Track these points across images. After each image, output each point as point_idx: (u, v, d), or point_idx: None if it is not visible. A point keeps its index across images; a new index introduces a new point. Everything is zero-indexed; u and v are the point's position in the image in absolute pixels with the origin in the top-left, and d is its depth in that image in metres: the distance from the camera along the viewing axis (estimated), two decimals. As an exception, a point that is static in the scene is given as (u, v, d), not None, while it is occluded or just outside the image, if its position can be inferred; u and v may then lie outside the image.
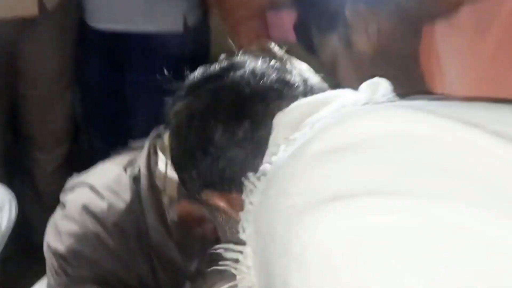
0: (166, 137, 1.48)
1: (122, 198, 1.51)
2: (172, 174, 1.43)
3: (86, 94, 2.19)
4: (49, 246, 1.52)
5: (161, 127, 1.56)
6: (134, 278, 1.57)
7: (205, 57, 2.11)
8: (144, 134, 1.69)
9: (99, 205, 1.50)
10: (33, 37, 1.98)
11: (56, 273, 1.51)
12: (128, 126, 2.11)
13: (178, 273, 1.61)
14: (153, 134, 1.56)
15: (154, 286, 1.62)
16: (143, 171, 1.51)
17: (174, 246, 1.55)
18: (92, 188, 1.52)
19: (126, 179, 1.53)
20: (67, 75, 2.10)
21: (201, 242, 1.60)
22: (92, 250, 1.49)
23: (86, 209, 1.49)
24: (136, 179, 1.52)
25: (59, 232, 1.52)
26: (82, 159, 2.21)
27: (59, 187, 1.94)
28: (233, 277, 0.76)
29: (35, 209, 2.14)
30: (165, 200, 1.50)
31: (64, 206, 1.56)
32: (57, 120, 2.13)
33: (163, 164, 1.46)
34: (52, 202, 1.86)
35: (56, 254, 1.50)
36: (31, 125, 2.12)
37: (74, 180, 1.64)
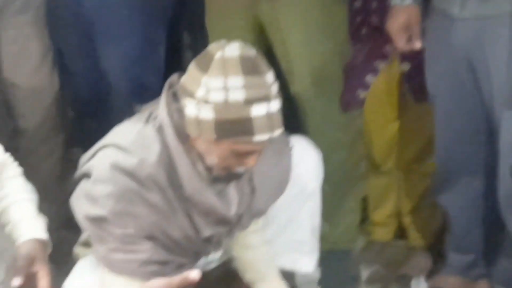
0: (187, 82, 1.41)
1: (151, 150, 1.45)
2: (206, 115, 1.38)
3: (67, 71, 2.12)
4: (87, 217, 1.46)
5: (175, 75, 1.52)
6: (178, 231, 1.52)
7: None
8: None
9: (129, 161, 1.44)
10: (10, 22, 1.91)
11: (103, 240, 1.46)
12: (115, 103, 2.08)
13: (219, 223, 1.55)
14: (168, 83, 1.52)
15: (196, 240, 1.57)
16: (166, 119, 1.45)
17: (212, 192, 1.51)
18: (118, 147, 1.47)
19: (150, 131, 1.47)
20: (49, 57, 2.03)
21: (239, 185, 1.57)
22: (132, 206, 1.44)
23: (116, 167, 1.43)
24: (160, 129, 1.46)
25: (93, 198, 1.47)
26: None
27: (64, 182, 1.89)
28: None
29: (42, 205, 2.08)
30: (199, 145, 1.44)
31: (90, 173, 1.50)
32: (50, 104, 2.05)
33: (193, 107, 1.39)
34: (59, 196, 1.81)
35: (98, 220, 1.45)
36: (25, 116, 2.04)
37: (92, 148, 1.59)
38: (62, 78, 2.13)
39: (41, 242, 1.40)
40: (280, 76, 2.00)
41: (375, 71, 1.88)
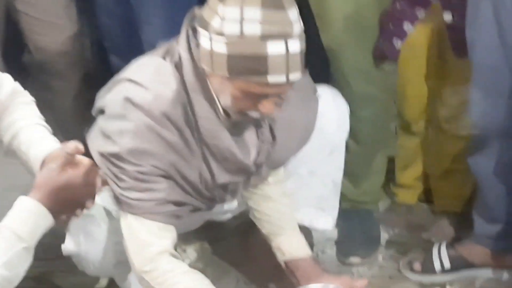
0: (204, 13, 1.32)
1: (168, 86, 1.38)
2: (219, 48, 1.28)
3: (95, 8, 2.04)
4: (101, 153, 1.40)
5: (195, 9, 1.42)
6: (194, 173, 1.45)
7: None
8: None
9: (145, 96, 1.37)
10: None
11: (118, 178, 1.40)
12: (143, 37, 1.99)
13: (237, 171, 1.48)
14: (188, 17, 1.43)
15: (212, 186, 1.49)
16: (185, 55, 1.36)
17: (229, 136, 1.43)
18: (134, 81, 1.39)
19: (168, 67, 1.39)
20: None
21: (259, 133, 1.48)
22: (148, 143, 1.38)
23: (131, 102, 1.37)
24: (178, 66, 1.38)
25: (107, 135, 1.41)
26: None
27: (81, 120, 1.83)
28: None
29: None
30: (214, 83, 1.35)
31: (104, 108, 1.44)
32: (65, 40, 1.98)
33: (207, 39, 1.29)
34: (75, 136, 1.74)
35: (112, 157, 1.39)
36: (39, 47, 1.97)
37: (109, 82, 1.51)
38: (90, 16, 2.07)
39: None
40: (313, 28, 1.92)
41: (413, 19, 1.74)
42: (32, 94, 1.64)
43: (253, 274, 1.86)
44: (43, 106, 1.96)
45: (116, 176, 1.38)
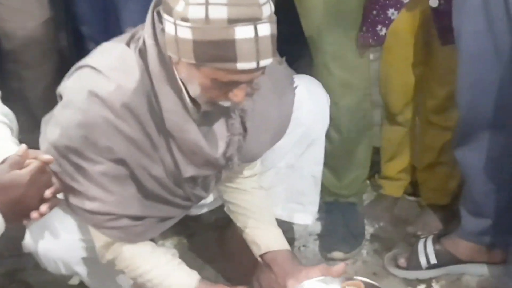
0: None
1: (131, 75, 1.28)
2: (184, 34, 1.18)
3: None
4: (55, 147, 1.30)
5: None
6: (159, 167, 1.37)
7: None
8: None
9: (105, 86, 1.28)
10: None
11: (72, 178, 1.31)
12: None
13: (205, 164, 1.40)
14: (154, 1, 1.34)
15: (180, 180, 1.43)
16: (149, 41, 1.27)
17: (196, 128, 1.34)
18: (94, 69, 1.30)
19: (131, 54, 1.29)
20: None
21: (229, 124, 1.39)
22: (106, 137, 1.28)
23: (89, 91, 1.27)
24: (142, 52, 1.28)
25: (63, 127, 1.31)
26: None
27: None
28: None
29: (33, 137, 1.96)
30: (181, 71, 1.25)
31: (62, 95, 1.35)
32: (35, 27, 1.88)
33: (172, 24, 1.19)
34: None
35: (67, 151, 1.29)
36: (7, 34, 1.87)
37: (72, 68, 1.43)
38: (66, 2, 1.98)
39: None
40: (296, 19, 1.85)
41: (399, 5, 1.66)
42: (1, 84, 1.57)
43: (231, 268, 1.80)
44: (12, 96, 1.91)
45: (70, 175, 1.30)
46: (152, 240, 1.49)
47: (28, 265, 1.77)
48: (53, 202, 1.24)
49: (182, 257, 1.81)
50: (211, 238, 1.95)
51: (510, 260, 1.60)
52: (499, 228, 1.67)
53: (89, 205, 1.32)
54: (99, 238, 1.38)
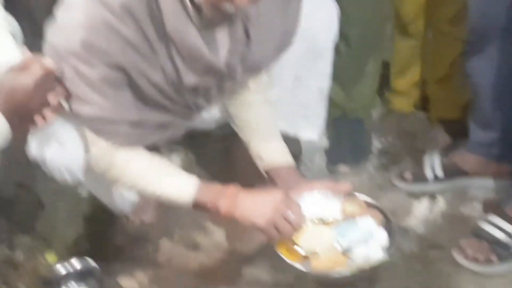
0: None
1: None
2: None
3: None
4: (56, 50, 1.29)
5: None
6: (159, 73, 1.35)
7: None
8: None
9: None
10: None
11: (72, 82, 1.29)
12: None
13: (206, 71, 1.37)
14: None
15: (180, 88, 1.39)
16: None
17: (197, 33, 1.31)
18: None
19: None
20: None
21: (231, 31, 1.35)
22: (105, 40, 1.27)
23: None
24: None
25: (63, 29, 1.30)
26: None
27: None
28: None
29: (37, 43, 1.94)
30: None
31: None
32: None
33: None
34: None
35: (66, 54, 1.28)
36: None
37: None
38: None
39: None
40: None
41: None
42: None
43: (237, 182, 1.82)
44: (15, 3, 1.88)
45: (70, 80, 1.29)
46: (158, 152, 1.50)
47: (37, 175, 1.80)
48: (57, 109, 1.25)
49: (188, 171, 1.84)
50: (217, 153, 1.95)
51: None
52: (506, 141, 1.65)
53: (87, 110, 1.32)
54: (95, 147, 1.38)
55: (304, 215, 1.39)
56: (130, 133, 1.37)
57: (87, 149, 1.41)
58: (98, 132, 1.36)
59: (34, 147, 1.43)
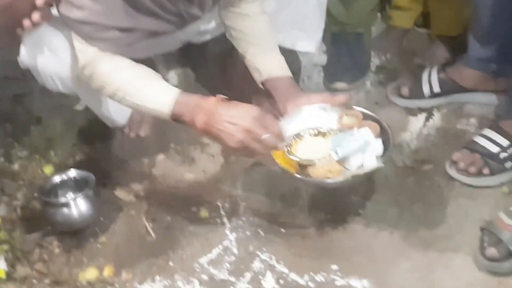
0: None
1: None
2: None
3: None
4: None
5: None
6: None
7: None
8: None
9: None
10: None
11: None
12: None
13: None
14: None
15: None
16: None
17: None
18: None
19: None
20: None
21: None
22: None
23: None
24: None
25: None
26: None
27: None
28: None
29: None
30: None
31: None
32: None
33: None
34: None
35: None
36: None
37: None
38: None
39: None
40: None
41: None
42: None
43: (234, 97, 1.81)
44: None
45: None
46: (156, 69, 1.48)
47: (34, 89, 1.80)
48: (45, 12, 1.24)
49: (185, 87, 1.83)
50: (215, 68, 1.94)
51: (513, 88, 1.58)
52: (504, 55, 1.62)
53: (77, 14, 1.31)
54: (82, 54, 1.37)
55: (283, 132, 1.35)
56: (120, 39, 1.35)
57: (75, 57, 1.40)
58: (87, 37, 1.34)
59: (26, 55, 1.43)
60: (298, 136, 1.44)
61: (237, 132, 1.30)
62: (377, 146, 1.39)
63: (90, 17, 1.31)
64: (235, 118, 1.31)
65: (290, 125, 1.42)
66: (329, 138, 1.42)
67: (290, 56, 1.71)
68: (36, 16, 1.21)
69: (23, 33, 1.28)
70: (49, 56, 1.41)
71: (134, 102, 1.38)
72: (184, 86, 1.88)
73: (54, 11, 1.33)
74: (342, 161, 1.38)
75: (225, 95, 1.38)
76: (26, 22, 1.21)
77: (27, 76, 1.56)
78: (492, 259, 1.33)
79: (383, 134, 1.42)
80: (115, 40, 1.35)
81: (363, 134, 1.39)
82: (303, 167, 1.40)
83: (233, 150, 1.34)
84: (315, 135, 1.45)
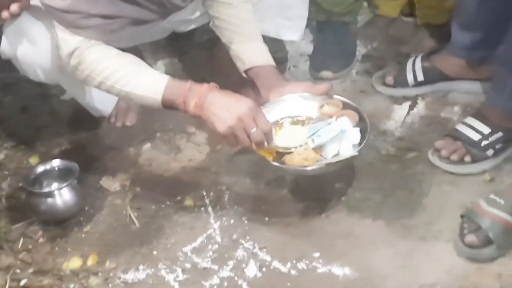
0: None
1: None
2: None
3: None
4: None
5: None
6: None
7: None
8: None
9: None
10: None
11: None
12: None
13: None
14: None
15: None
16: None
17: None
18: None
19: None
20: None
21: None
22: None
23: None
24: None
25: None
26: None
27: None
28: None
29: None
30: None
31: None
32: None
33: None
34: None
35: None
36: None
37: None
38: None
39: None
40: None
41: None
42: None
43: (220, 86, 1.82)
44: None
45: None
46: (142, 58, 1.47)
47: (22, 79, 1.80)
48: (23, 3, 1.24)
49: (173, 76, 1.84)
50: (202, 58, 1.94)
51: (496, 75, 1.58)
52: (488, 42, 1.62)
53: (60, 3, 1.31)
54: (66, 43, 1.37)
55: (270, 129, 1.36)
56: (104, 26, 1.35)
57: (58, 47, 1.40)
58: (70, 26, 1.34)
59: (7, 46, 1.43)
60: (277, 124, 1.45)
61: (230, 118, 1.32)
62: (354, 135, 1.39)
63: (73, 5, 1.31)
64: (231, 106, 1.33)
65: (270, 113, 1.42)
66: (307, 126, 1.43)
67: (276, 45, 1.72)
68: (14, 6, 1.21)
69: (2, 24, 1.28)
70: (30, 46, 1.41)
71: (123, 90, 1.38)
72: (172, 76, 1.90)
73: (34, 1, 1.34)
74: (318, 149, 1.39)
75: (213, 82, 1.38)
76: (5, 13, 1.21)
77: (14, 67, 1.57)
78: (471, 246, 1.33)
79: (362, 123, 1.43)
80: (99, 27, 1.35)
81: (340, 123, 1.39)
82: (281, 154, 1.41)
83: (219, 135, 1.35)
84: (294, 123, 1.46)
